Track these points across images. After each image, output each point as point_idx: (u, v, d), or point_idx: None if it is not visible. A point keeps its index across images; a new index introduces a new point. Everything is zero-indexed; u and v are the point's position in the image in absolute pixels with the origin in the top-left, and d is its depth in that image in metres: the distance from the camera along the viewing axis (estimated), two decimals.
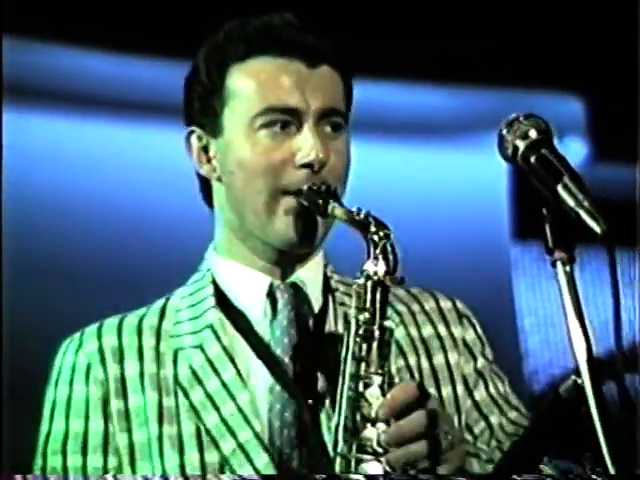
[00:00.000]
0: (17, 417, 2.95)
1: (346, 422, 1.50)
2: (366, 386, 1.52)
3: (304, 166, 1.62)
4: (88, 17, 3.18)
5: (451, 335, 1.74)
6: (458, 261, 3.61)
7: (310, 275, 1.69)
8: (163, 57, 3.33)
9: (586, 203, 1.37)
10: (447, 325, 1.75)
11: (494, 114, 3.78)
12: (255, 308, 1.68)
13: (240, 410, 1.62)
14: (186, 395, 1.63)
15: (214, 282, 1.70)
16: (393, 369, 1.63)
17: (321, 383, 1.64)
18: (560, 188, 1.40)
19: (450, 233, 3.66)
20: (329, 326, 1.69)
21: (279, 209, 1.63)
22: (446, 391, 1.71)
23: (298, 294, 1.68)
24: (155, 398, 1.63)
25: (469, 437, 1.69)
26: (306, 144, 1.62)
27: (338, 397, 1.53)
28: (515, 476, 1.44)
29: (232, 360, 1.65)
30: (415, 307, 1.75)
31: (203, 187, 1.73)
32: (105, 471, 1.62)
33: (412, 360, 1.71)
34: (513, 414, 1.73)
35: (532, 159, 1.44)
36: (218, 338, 1.66)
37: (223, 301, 1.69)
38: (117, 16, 3.20)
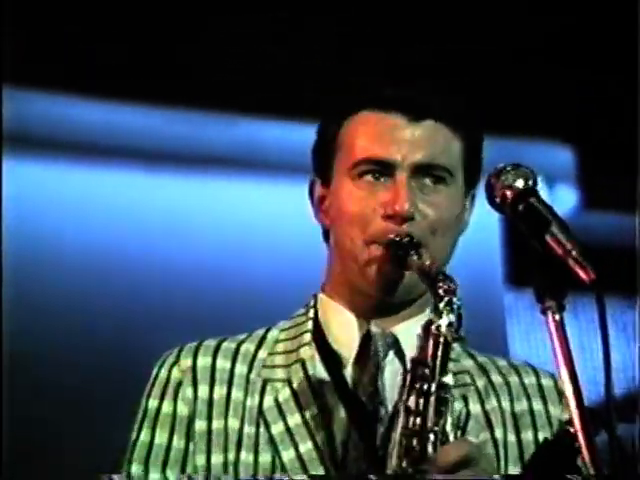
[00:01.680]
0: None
1: (397, 475, 1.51)
2: (419, 442, 1.52)
3: (389, 217, 1.66)
4: (86, 66, 3.21)
5: (547, 413, 1.74)
6: None
7: (409, 332, 1.68)
8: (163, 105, 3.35)
9: (574, 252, 1.39)
10: (545, 403, 1.74)
11: (485, 162, 3.80)
12: (348, 350, 1.70)
13: (317, 449, 1.64)
14: (267, 427, 1.66)
15: (315, 319, 1.74)
16: (476, 440, 1.65)
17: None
18: (548, 237, 1.41)
19: None
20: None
21: (369, 257, 1.67)
22: None
23: (393, 345, 1.70)
24: (237, 425, 1.67)
25: None
26: (394, 196, 1.66)
27: (390, 449, 1.54)
28: None
29: (316, 398, 1.67)
30: (513, 379, 1.75)
31: (325, 231, 1.78)
32: None
33: (498, 433, 1.70)
34: None
35: (520, 208, 1.45)
36: (306, 374, 1.69)
37: (319, 339, 1.72)
38: (116, 65, 3.23)
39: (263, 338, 1.75)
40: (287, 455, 1.65)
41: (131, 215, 3.34)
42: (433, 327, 1.55)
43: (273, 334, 1.75)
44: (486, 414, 1.70)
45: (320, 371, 1.69)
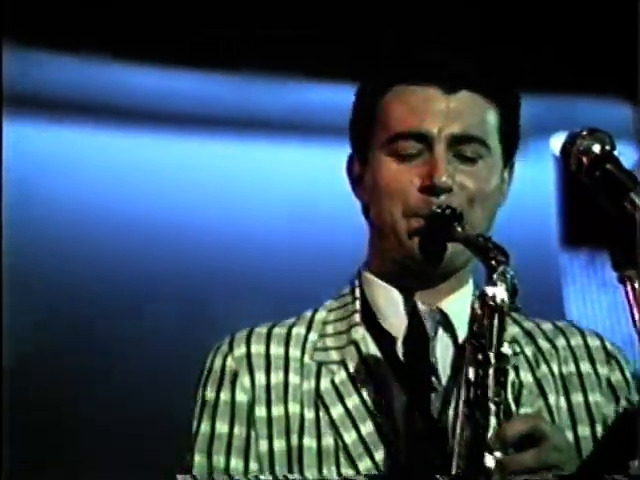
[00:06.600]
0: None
1: (460, 448, 1.51)
2: (481, 413, 1.51)
3: (427, 189, 1.65)
4: (84, 25, 3.18)
5: (596, 374, 1.73)
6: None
7: (456, 305, 1.70)
8: (164, 64, 3.33)
9: None
10: (593, 363, 1.73)
11: (543, 121, 3.76)
12: (397, 328, 1.70)
13: (378, 430, 1.65)
14: (327, 410, 1.67)
15: (363, 298, 1.74)
16: (530, 410, 1.65)
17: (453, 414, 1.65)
18: (627, 204, 1.38)
19: (499, 240, 3.63)
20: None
21: (409, 230, 1.67)
22: (583, 431, 1.69)
23: (443, 321, 1.70)
24: (297, 409, 1.68)
25: None
26: (431, 168, 1.65)
27: (450, 422, 1.55)
28: None
29: (372, 379, 1.68)
30: (560, 342, 1.75)
31: (365, 209, 1.77)
32: (247, 474, 1.68)
33: (552, 399, 1.70)
34: None
35: (597, 174, 1.42)
36: (361, 355, 1.69)
37: (369, 318, 1.72)
38: (114, 23, 3.20)
39: (311, 320, 1.75)
40: (349, 438, 1.65)
41: (140, 177, 3.33)
42: (488, 298, 1.53)
43: (321, 315, 1.75)
44: (538, 382, 1.70)
45: (373, 351, 1.70)
